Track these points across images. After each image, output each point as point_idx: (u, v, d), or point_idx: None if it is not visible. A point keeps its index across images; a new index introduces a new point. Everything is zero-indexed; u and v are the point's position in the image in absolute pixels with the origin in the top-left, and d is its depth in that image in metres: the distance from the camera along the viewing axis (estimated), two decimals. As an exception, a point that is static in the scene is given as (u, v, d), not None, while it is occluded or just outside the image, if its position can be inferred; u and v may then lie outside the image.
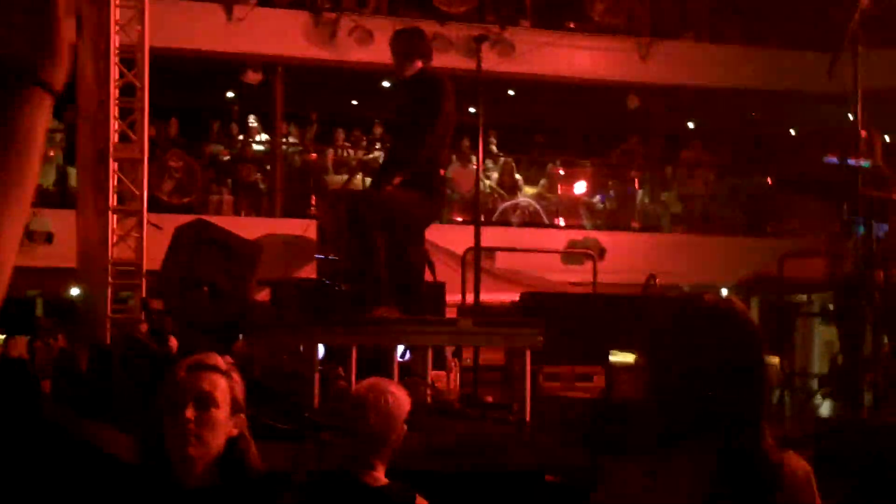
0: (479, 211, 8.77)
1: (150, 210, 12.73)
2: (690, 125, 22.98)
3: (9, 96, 1.34)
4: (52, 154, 17.80)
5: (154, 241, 12.36)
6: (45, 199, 16.99)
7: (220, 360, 3.21)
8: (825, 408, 7.14)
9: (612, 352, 6.07)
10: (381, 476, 3.88)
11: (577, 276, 15.82)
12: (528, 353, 6.48)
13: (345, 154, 19.50)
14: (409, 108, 8.05)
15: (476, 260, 8.43)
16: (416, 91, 8.01)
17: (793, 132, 22.96)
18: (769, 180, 21.15)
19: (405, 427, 4.23)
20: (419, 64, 8.14)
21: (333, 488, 4.15)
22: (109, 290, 11.97)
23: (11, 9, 1.37)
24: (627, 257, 17.23)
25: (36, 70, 1.36)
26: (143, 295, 11.89)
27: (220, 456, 3.06)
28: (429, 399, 7.51)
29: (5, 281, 1.26)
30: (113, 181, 12.05)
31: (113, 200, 12.09)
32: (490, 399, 7.79)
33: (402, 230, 8.08)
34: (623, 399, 5.93)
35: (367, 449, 4.20)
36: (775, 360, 9.85)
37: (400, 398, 4.28)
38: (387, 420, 4.22)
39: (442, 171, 8.21)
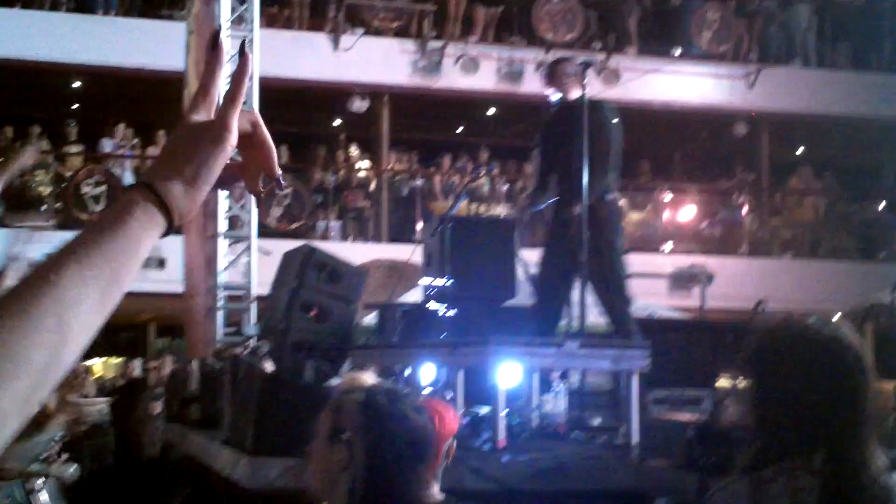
0: (584, 236, 8.72)
1: (259, 236, 12.93)
2: (799, 152, 22.69)
3: (127, 204, 1.37)
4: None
5: (264, 266, 12.55)
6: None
7: (338, 387, 3.24)
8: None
9: (719, 377, 6.02)
10: (433, 492, 3.80)
11: (684, 301, 15.70)
12: (635, 376, 6.45)
13: (451, 180, 19.59)
14: (574, 133, 7.90)
15: (582, 284, 8.40)
16: (587, 117, 7.92)
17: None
18: (881, 206, 20.80)
19: (454, 445, 4.20)
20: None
21: None
22: (220, 314, 12.17)
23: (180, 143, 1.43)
24: (736, 283, 17.03)
25: (160, 189, 1.39)
26: (256, 319, 12.08)
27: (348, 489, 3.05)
28: (535, 422, 7.51)
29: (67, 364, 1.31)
30: (222, 207, 12.26)
31: (222, 226, 12.30)
32: (597, 422, 7.75)
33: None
34: (730, 422, 5.87)
35: None
36: (890, 386, 9.66)
37: (446, 416, 4.26)
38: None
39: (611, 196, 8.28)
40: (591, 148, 7.73)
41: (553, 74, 8.30)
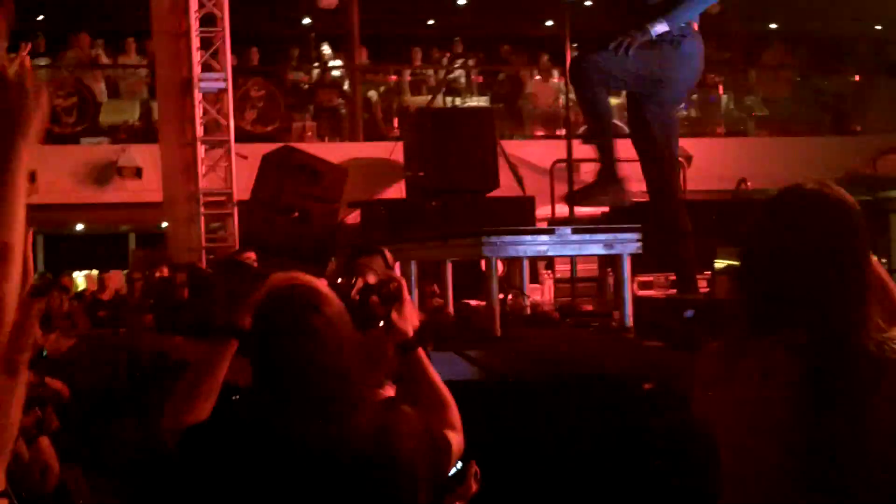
0: (570, 121, 8.71)
1: (234, 140, 12.82)
2: (772, 26, 22.55)
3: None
4: (136, 89, 17.97)
5: (240, 170, 12.48)
6: (131, 134, 17.17)
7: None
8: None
9: (717, 257, 6.02)
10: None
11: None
12: (628, 260, 6.45)
13: (424, 73, 19.43)
14: None
15: (569, 170, 8.40)
16: None
17: (877, 28, 22.44)
18: (855, 78, 20.72)
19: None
20: None
21: None
22: (202, 221, 12.12)
23: None
24: (714, 164, 17.03)
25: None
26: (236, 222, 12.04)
27: None
28: (528, 311, 7.54)
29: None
30: (198, 112, 12.14)
31: (199, 131, 12.19)
32: (589, 308, 7.79)
33: None
34: (724, 300, 5.90)
35: None
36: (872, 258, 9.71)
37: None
38: None
39: None
40: None
41: None
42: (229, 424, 2.77)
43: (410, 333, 3.09)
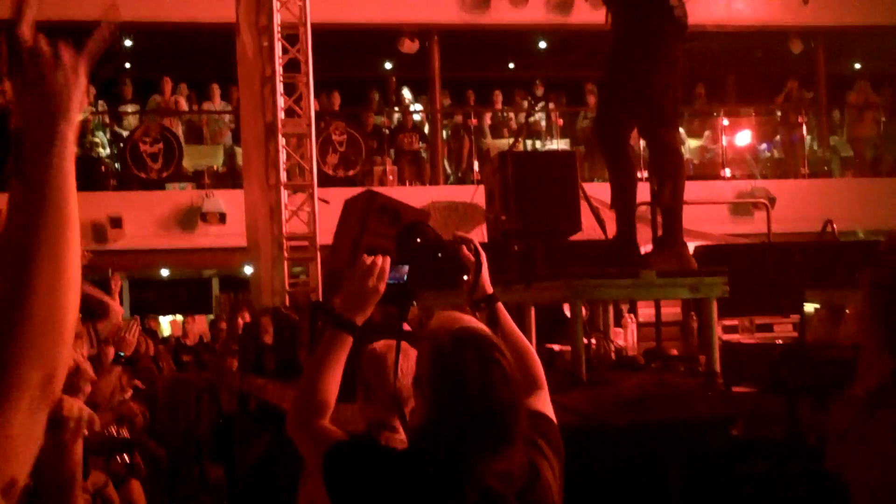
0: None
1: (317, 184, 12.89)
2: (857, 66, 22.29)
3: None
4: (220, 135, 18.21)
5: (322, 214, 12.54)
6: (216, 180, 17.38)
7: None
8: None
9: (806, 300, 5.91)
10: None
11: (746, 227, 15.54)
12: (714, 304, 6.36)
13: (503, 116, 19.47)
14: None
15: (652, 215, 8.31)
16: None
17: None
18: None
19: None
20: None
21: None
22: (286, 265, 12.18)
23: None
24: (798, 205, 16.84)
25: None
26: (319, 266, 12.08)
27: None
28: (612, 355, 7.47)
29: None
30: (282, 157, 12.23)
31: (283, 176, 12.28)
32: (674, 352, 7.70)
33: None
34: (819, 344, 5.79)
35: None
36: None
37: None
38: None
39: None
40: None
41: None
42: (392, 463, 2.71)
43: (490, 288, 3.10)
